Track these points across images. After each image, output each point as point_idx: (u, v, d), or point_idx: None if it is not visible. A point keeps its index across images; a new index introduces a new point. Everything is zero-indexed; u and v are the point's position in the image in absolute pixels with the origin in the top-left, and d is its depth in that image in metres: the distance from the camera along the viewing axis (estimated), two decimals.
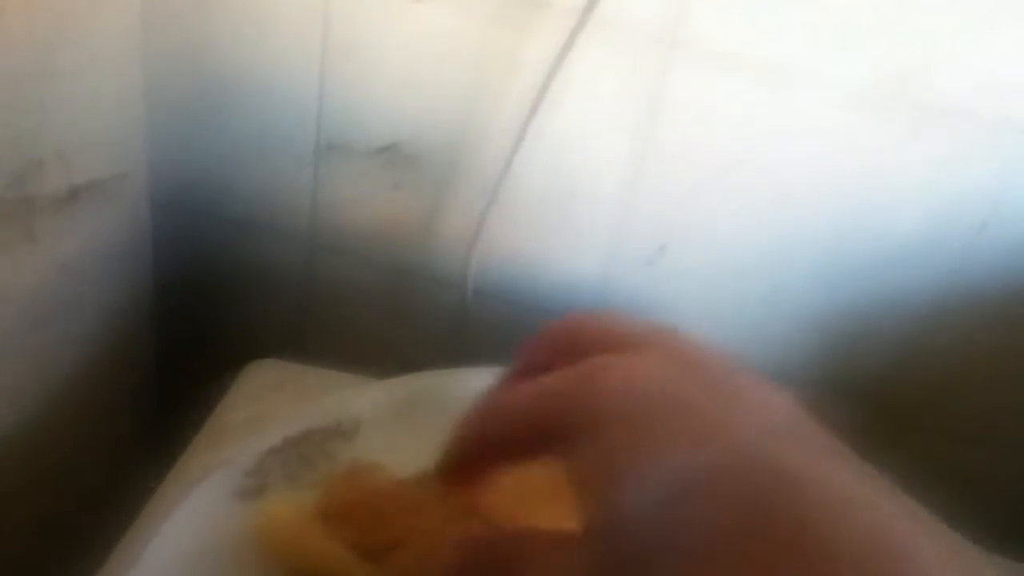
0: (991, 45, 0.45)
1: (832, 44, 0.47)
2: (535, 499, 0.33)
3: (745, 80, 0.48)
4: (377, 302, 0.61)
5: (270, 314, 0.62)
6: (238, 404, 0.48)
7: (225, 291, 0.61)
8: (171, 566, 0.35)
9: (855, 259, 0.52)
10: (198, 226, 0.60)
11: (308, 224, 0.59)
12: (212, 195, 0.59)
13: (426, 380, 0.45)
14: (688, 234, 0.54)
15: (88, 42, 0.46)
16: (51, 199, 0.47)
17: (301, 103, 0.54)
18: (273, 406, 0.46)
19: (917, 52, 0.46)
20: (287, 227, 0.59)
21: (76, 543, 0.44)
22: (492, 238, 0.56)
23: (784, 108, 0.49)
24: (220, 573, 0.36)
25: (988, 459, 0.56)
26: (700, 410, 0.24)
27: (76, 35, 0.45)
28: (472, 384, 0.46)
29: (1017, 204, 0.49)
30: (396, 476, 0.38)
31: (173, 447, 0.46)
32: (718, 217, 0.53)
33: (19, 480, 0.49)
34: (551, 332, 0.30)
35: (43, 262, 0.48)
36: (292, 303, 0.61)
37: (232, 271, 0.61)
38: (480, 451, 0.30)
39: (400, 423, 0.43)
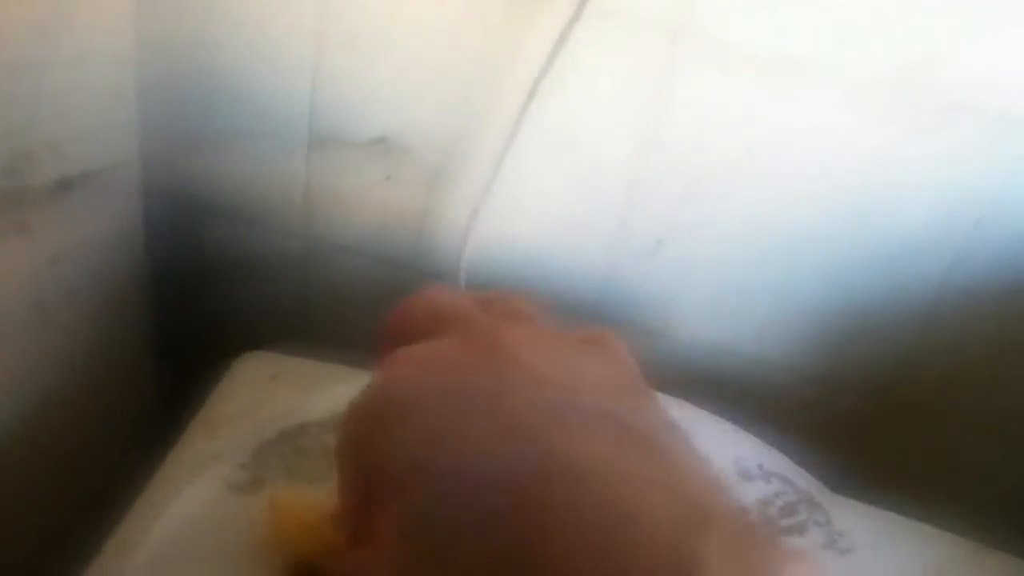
0: (992, 42, 0.45)
1: (834, 40, 0.47)
2: None
3: (747, 76, 0.48)
4: (370, 294, 0.60)
5: (263, 306, 0.62)
6: (231, 395, 0.48)
7: (218, 283, 0.61)
8: (167, 559, 0.35)
9: (856, 254, 0.52)
10: (191, 218, 0.59)
11: (301, 216, 0.58)
12: (205, 186, 0.58)
13: None
14: (688, 229, 0.54)
15: (82, 33, 0.46)
16: (43, 190, 0.46)
17: (294, 94, 0.54)
18: (266, 398, 0.46)
19: (919, 49, 0.46)
20: (280, 219, 0.58)
21: (72, 533, 0.44)
22: (487, 231, 0.56)
23: (786, 104, 0.49)
24: (216, 566, 0.35)
25: (990, 452, 0.56)
26: (465, 406, 0.25)
27: (69, 26, 0.44)
28: None
29: (1015, 200, 0.49)
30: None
31: (167, 435, 0.46)
32: (719, 212, 0.53)
33: (14, 471, 0.49)
34: (396, 317, 0.30)
35: (36, 253, 0.47)
36: (285, 295, 0.61)
37: (225, 263, 0.60)
38: None
39: None
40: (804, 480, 0.44)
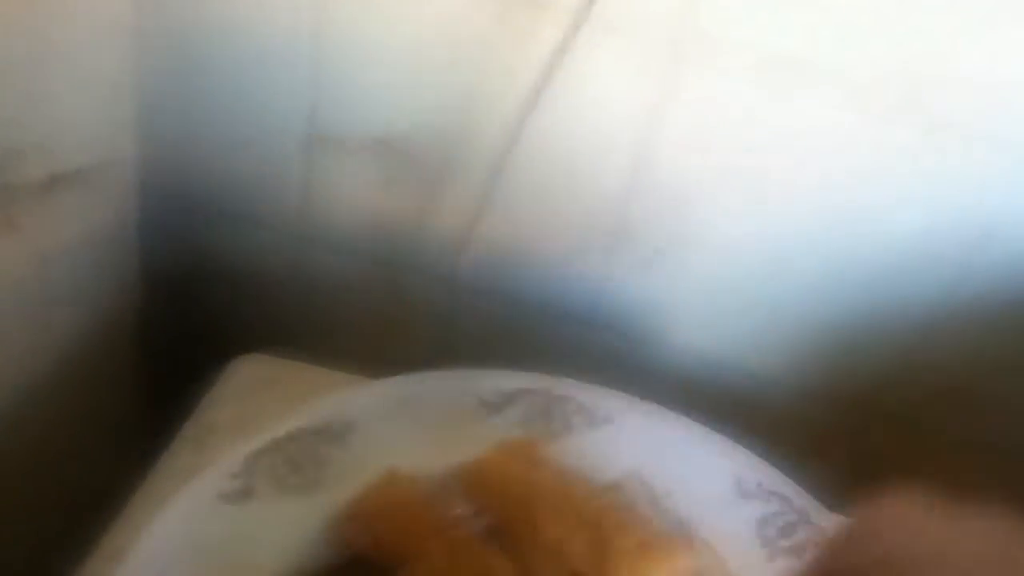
0: (994, 46, 0.45)
1: (839, 51, 0.46)
2: None
3: (748, 83, 0.48)
4: (367, 297, 0.60)
5: (258, 307, 0.61)
6: (224, 401, 0.47)
7: (213, 283, 0.60)
8: (155, 568, 0.34)
9: (856, 266, 0.52)
10: (186, 217, 0.58)
11: (298, 217, 0.57)
12: (201, 186, 0.57)
13: (418, 381, 0.44)
14: (687, 237, 0.53)
15: (78, 28, 0.45)
16: (33, 188, 0.46)
17: (293, 93, 0.53)
18: (260, 403, 0.45)
19: (926, 62, 0.45)
20: (277, 219, 0.58)
21: (60, 536, 0.43)
22: (486, 235, 0.55)
23: (788, 113, 0.48)
24: (205, 574, 0.35)
25: (986, 468, 0.55)
26: None
27: (65, 21, 0.44)
28: (462, 386, 0.45)
29: (1019, 219, 0.49)
30: (426, 491, 0.39)
31: (158, 441, 0.45)
32: (717, 221, 0.52)
33: (0, 472, 0.48)
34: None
35: (25, 251, 0.47)
36: (281, 296, 0.60)
37: (220, 263, 0.60)
38: None
39: (392, 425, 0.42)
40: (803, 500, 0.43)
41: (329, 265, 0.59)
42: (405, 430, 0.43)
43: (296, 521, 0.38)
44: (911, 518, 0.28)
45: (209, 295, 0.61)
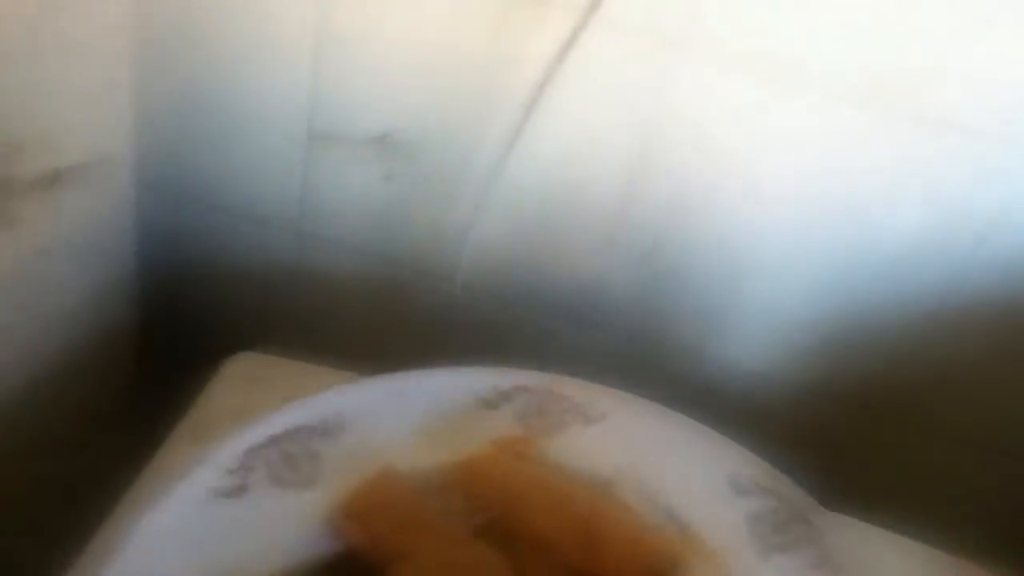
0: (992, 49, 0.45)
1: (837, 49, 0.46)
2: None
3: (747, 83, 0.48)
4: (365, 295, 0.60)
5: (257, 304, 0.61)
6: (220, 397, 0.47)
7: (210, 279, 0.60)
8: (148, 563, 0.34)
9: (854, 264, 0.52)
10: (185, 213, 0.58)
11: (297, 214, 0.58)
12: (200, 182, 0.57)
13: (414, 378, 0.45)
14: (685, 235, 0.53)
15: (76, 23, 0.45)
16: (31, 182, 0.46)
17: (293, 89, 0.53)
18: (256, 400, 0.45)
19: (925, 60, 0.45)
20: (275, 216, 0.58)
21: (52, 532, 0.43)
22: (484, 233, 0.55)
23: (787, 112, 0.48)
24: (198, 570, 0.35)
25: (982, 464, 0.56)
26: None
27: (64, 15, 0.44)
28: (458, 383, 0.45)
29: (1018, 218, 0.49)
30: (421, 488, 0.39)
31: (153, 437, 0.45)
32: (716, 219, 0.52)
33: None
34: None
35: (22, 246, 0.47)
36: (279, 293, 0.60)
37: (218, 259, 0.60)
38: None
39: (387, 422, 0.43)
40: (797, 496, 0.43)
41: (327, 263, 0.59)
42: (400, 427, 0.43)
43: (290, 517, 0.38)
44: None
45: (207, 292, 0.61)
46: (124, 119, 0.51)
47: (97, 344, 0.54)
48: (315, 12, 0.51)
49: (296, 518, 0.38)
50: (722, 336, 0.56)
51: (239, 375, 0.48)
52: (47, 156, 0.46)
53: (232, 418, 0.43)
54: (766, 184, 0.51)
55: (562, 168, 0.52)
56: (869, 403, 0.56)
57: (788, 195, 0.51)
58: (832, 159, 0.49)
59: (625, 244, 0.54)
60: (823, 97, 0.47)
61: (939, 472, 0.56)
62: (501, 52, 0.50)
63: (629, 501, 0.42)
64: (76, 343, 0.52)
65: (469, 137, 0.53)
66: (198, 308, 0.61)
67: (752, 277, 0.54)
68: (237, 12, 0.52)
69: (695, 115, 0.49)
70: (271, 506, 0.38)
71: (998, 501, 0.56)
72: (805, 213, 0.51)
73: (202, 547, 0.36)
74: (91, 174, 0.49)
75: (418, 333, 0.60)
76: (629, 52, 0.48)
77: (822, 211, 0.51)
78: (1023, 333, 0.52)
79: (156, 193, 0.57)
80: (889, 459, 0.57)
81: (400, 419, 0.43)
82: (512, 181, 0.53)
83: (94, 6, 0.46)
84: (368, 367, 0.46)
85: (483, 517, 0.39)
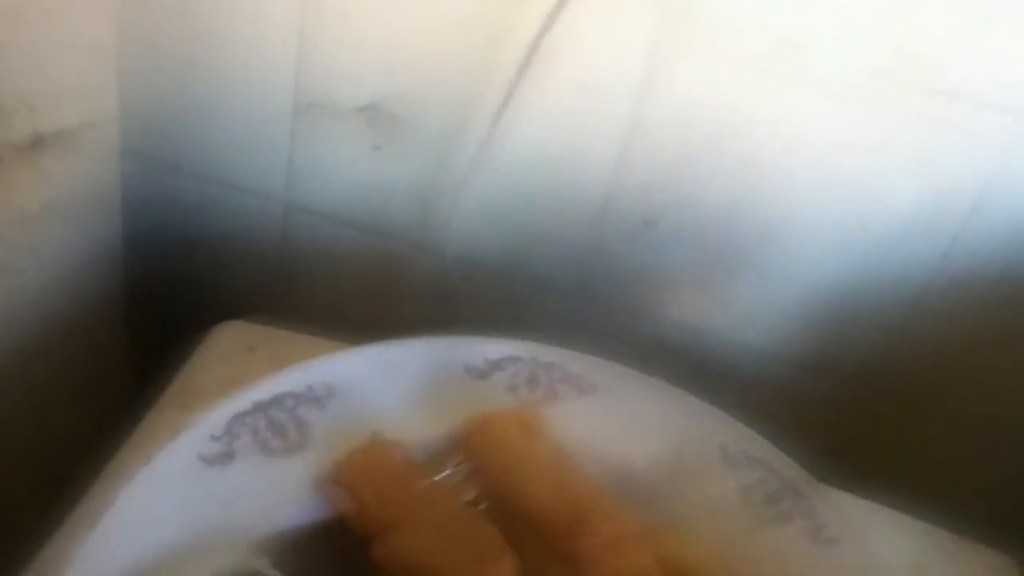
0: (985, 28, 0.44)
1: (830, 24, 0.46)
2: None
3: (742, 55, 0.47)
4: (354, 266, 0.59)
5: (244, 274, 0.60)
6: (207, 366, 0.46)
7: (198, 249, 0.60)
8: (134, 528, 0.34)
9: (848, 238, 0.52)
10: (171, 182, 0.58)
11: (284, 183, 0.57)
12: (186, 150, 0.57)
13: (402, 347, 0.44)
14: (677, 208, 0.52)
15: None
16: (14, 146, 0.45)
17: (280, 57, 0.52)
18: (242, 369, 0.45)
19: (914, 34, 0.45)
20: (263, 185, 0.57)
21: (38, 500, 0.43)
22: (474, 205, 0.54)
23: (779, 86, 0.48)
24: (183, 537, 0.34)
25: (977, 440, 0.55)
26: None
27: None
28: (448, 352, 0.45)
29: (1009, 189, 0.48)
30: (412, 457, 0.39)
31: (140, 405, 0.45)
32: (708, 192, 0.52)
33: None
34: None
35: (5, 211, 0.46)
36: (267, 264, 0.60)
37: (205, 229, 0.59)
38: None
39: (375, 390, 0.42)
40: (789, 468, 0.43)
41: (315, 233, 0.58)
42: (389, 395, 0.42)
43: (277, 484, 0.37)
44: None
45: (194, 261, 0.60)
46: (109, 84, 0.50)
47: (85, 312, 0.53)
48: None
49: (283, 485, 0.37)
50: (718, 310, 0.55)
51: (227, 343, 0.47)
52: (30, 120, 0.45)
53: (219, 386, 0.43)
54: (757, 156, 0.50)
55: (552, 139, 0.51)
56: (867, 379, 0.55)
57: (782, 167, 0.50)
58: (825, 131, 0.49)
59: (618, 217, 0.53)
60: (816, 70, 0.47)
61: (937, 448, 0.56)
62: (490, 20, 0.49)
63: (620, 477, 0.42)
64: (63, 311, 0.52)
65: (458, 106, 0.52)
66: (186, 278, 0.61)
67: (745, 252, 0.53)
68: None
69: (688, 87, 0.48)
70: (258, 473, 0.37)
71: (997, 478, 0.56)
72: (799, 185, 0.50)
73: (188, 513, 0.35)
74: (76, 139, 0.49)
75: (408, 305, 0.59)
76: (619, 20, 0.48)
77: (817, 186, 0.50)
78: (1017, 305, 0.51)
79: (142, 161, 0.56)
80: (887, 435, 0.57)
81: (389, 388, 0.42)
82: (502, 152, 0.52)
83: None
84: (357, 338, 0.45)
85: (478, 484, 0.39)
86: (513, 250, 0.56)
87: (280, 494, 0.37)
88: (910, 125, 0.47)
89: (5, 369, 0.49)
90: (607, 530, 0.37)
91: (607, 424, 0.44)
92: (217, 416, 0.38)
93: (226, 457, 0.37)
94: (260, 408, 0.40)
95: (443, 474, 0.39)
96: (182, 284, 0.61)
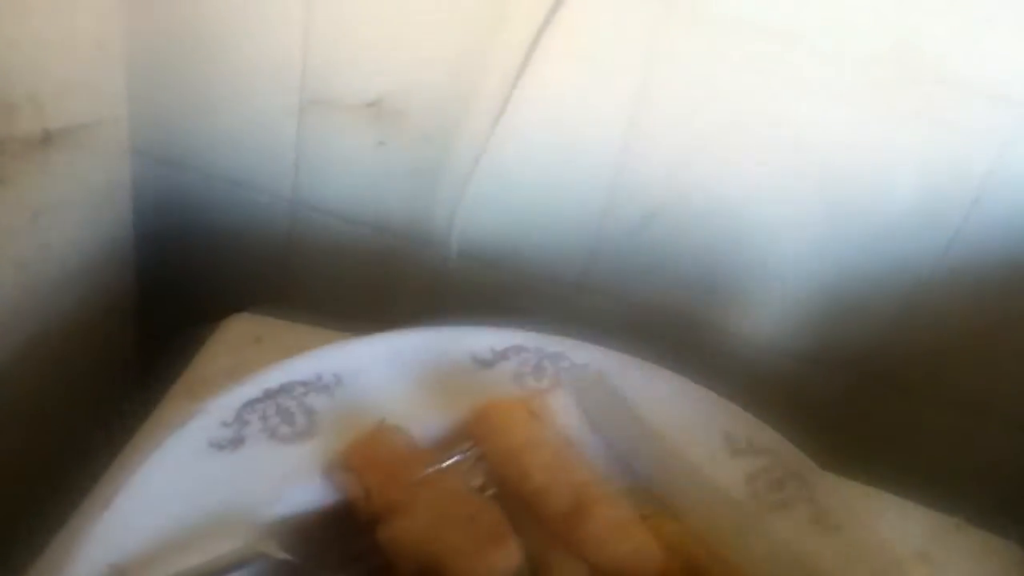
0: (984, 18, 0.45)
1: (834, 12, 0.46)
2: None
3: (744, 44, 0.47)
4: (360, 261, 0.60)
5: (251, 269, 0.61)
6: (216, 356, 0.47)
7: (206, 244, 0.60)
8: (144, 511, 0.34)
9: (849, 229, 0.52)
10: (180, 180, 0.58)
11: (291, 179, 0.57)
12: (194, 146, 0.57)
13: (410, 336, 0.45)
14: (679, 201, 0.53)
15: None
16: (23, 142, 0.45)
17: (285, 54, 0.53)
18: (252, 360, 0.45)
19: (913, 22, 0.45)
20: (270, 181, 0.57)
21: (51, 487, 0.43)
22: (478, 199, 0.55)
23: (782, 75, 0.48)
24: (193, 520, 0.35)
25: (978, 428, 0.56)
26: None
27: None
28: (455, 342, 0.45)
29: (1011, 180, 0.49)
30: (418, 444, 0.39)
31: (150, 396, 0.45)
32: (710, 184, 0.52)
33: None
34: None
35: (16, 205, 0.47)
36: (274, 258, 0.60)
37: (214, 225, 0.60)
38: None
39: (383, 378, 0.43)
40: (792, 456, 0.43)
41: (321, 228, 0.59)
42: (396, 384, 0.43)
43: (285, 469, 0.38)
44: None
45: (202, 255, 0.61)
46: (116, 82, 0.51)
47: (97, 307, 0.54)
48: None
49: (291, 470, 0.38)
50: (719, 302, 0.56)
51: (236, 335, 0.48)
52: (38, 116, 0.46)
53: (229, 376, 0.43)
54: (757, 150, 0.50)
55: (555, 133, 0.52)
56: (869, 369, 0.56)
57: (782, 159, 0.50)
58: (825, 123, 0.49)
59: (621, 209, 0.54)
60: (819, 61, 0.47)
61: (941, 437, 0.56)
62: (491, 12, 0.49)
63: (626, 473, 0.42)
64: (75, 305, 0.52)
65: (461, 101, 0.52)
66: (195, 273, 0.61)
67: (749, 244, 0.53)
68: None
69: (691, 78, 0.49)
70: (267, 458, 0.38)
71: (999, 464, 0.56)
72: (799, 177, 0.51)
73: (198, 496, 0.36)
74: (84, 136, 0.49)
75: (414, 298, 0.60)
76: (620, 15, 0.48)
77: (820, 177, 0.51)
78: (1016, 294, 0.52)
79: (150, 159, 0.56)
80: (890, 425, 0.57)
81: (396, 376, 0.43)
82: (505, 145, 0.53)
83: None
84: (364, 331, 0.46)
85: (484, 471, 0.39)
86: (516, 244, 0.57)
87: (288, 479, 0.37)
88: (910, 120, 0.48)
89: (19, 362, 0.49)
90: (610, 515, 0.37)
91: (612, 412, 0.44)
92: (227, 403, 0.39)
93: (236, 442, 0.38)
94: (269, 395, 0.40)
95: (449, 461, 0.39)
96: (192, 279, 0.61)
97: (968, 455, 0.56)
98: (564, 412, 0.43)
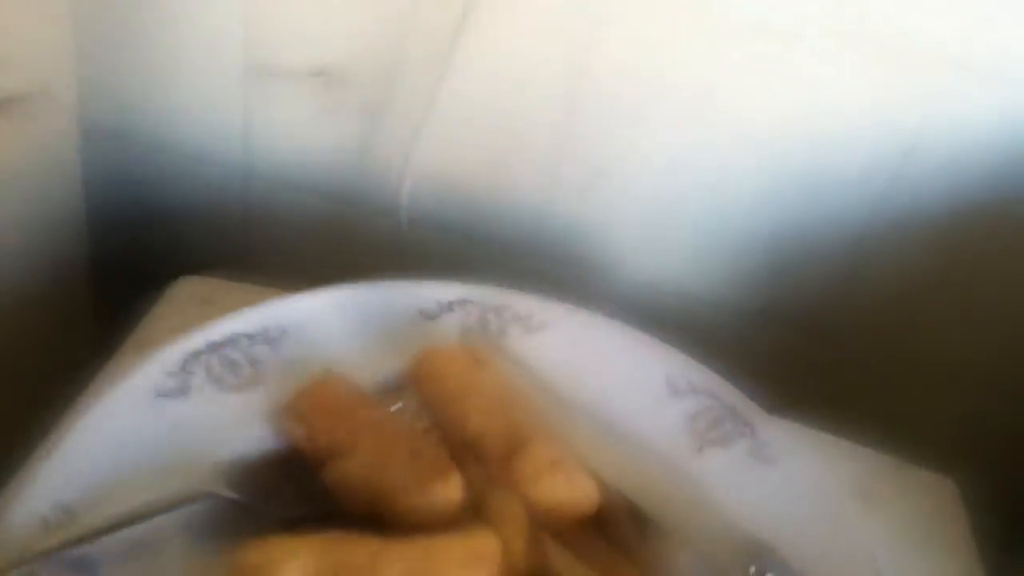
0: None
1: None
2: None
3: (680, 9, 0.48)
4: (313, 230, 0.60)
5: (205, 240, 0.61)
6: (165, 317, 0.47)
7: (159, 216, 0.61)
8: (91, 455, 0.35)
9: (788, 184, 0.53)
10: (130, 152, 0.59)
11: (241, 148, 0.58)
12: (142, 118, 0.58)
13: (355, 291, 0.45)
14: (626, 159, 0.54)
15: None
16: None
17: (226, 21, 0.53)
18: (200, 319, 0.46)
19: None
20: (220, 151, 0.58)
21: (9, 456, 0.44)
22: (426, 165, 0.56)
23: (724, 31, 0.49)
24: (141, 464, 0.35)
25: (923, 384, 0.57)
26: None
27: None
28: (401, 296, 0.46)
29: (940, 132, 0.50)
30: (362, 389, 0.40)
31: (101, 359, 0.45)
32: (654, 142, 0.53)
33: None
34: None
35: None
36: (227, 229, 0.61)
37: (165, 196, 0.60)
38: None
39: (329, 330, 0.43)
40: (731, 395, 0.45)
41: (273, 197, 0.60)
42: (343, 336, 0.43)
43: (232, 415, 0.39)
44: None
45: (156, 229, 0.61)
46: (64, 51, 0.51)
47: (49, 278, 0.54)
48: None
49: (238, 416, 0.39)
50: (666, 259, 0.57)
51: (185, 296, 0.48)
52: None
53: (175, 335, 0.44)
54: (700, 107, 0.51)
55: (498, 94, 0.53)
56: (810, 323, 0.57)
57: (725, 114, 0.51)
58: (763, 82, 0.50)
59: (566, 168, 0.55)
60: (757, 19, 0.48)
61: (881, 391, 0.57)
62: None
63: (567, 408, 0.43)
64: (28, 277, 0.52)
65: (405, 67, 0.53)
66: (149, 245, 0.61)
67: (691, 200, 0.55)
68: None
69: (633, 34, 0.50)
70: (213, 406, 0.39)
71: (936, 412, 0.57)
72: (743, 132, 0.52)
73: (144, 441, 0.36)
74: (33, 105, 0.50)
75: (364, 266, 0.60)
76: None
77: (759, 130, 0.52)
78: (951, 247, 0.53)
79: (99, 129, 0.57)
80: (832, 378, 0.58)
81: (343, 329, 0.44)
82: (449, 110, 0.53)
83: None
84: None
85: (427, 417, 0.40)
86: (466, 209, 0.58)
87: (235, 424, 0.38)
88: (847, 69, 0.49)
89: None
90: (544, 455, 0.38)
91: (556, 360, 0.45)
92: (171, 354, 0.40)
93: (182, 391, 0.39)
94: (214, 348, 0.41)
95: (393, 407, 0.40)
96: (145, 251, 0.62)
97: (909, 402, 0.58)
98: (509, 361, 0.44)
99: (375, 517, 0.36)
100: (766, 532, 0.39)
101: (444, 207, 0.58)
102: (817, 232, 0.54)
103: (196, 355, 0.40)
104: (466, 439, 0.39)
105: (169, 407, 0.38)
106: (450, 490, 0.36)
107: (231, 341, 0.41)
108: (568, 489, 0.38)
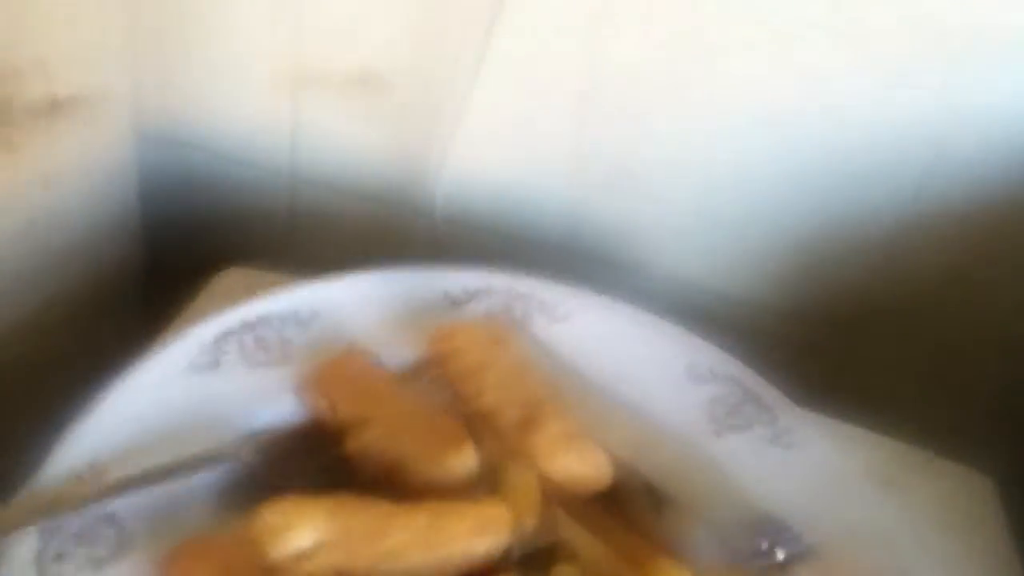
0: None
1: None
2: None
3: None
4: (356, 232, 0.62)
5: (251, 240, 0.64)
6: (206, 308, 0.49)
7: (207, 217, 0.63)
8: (123, 419, 0.37)
9: (818, 180, 0.53)
10: (182, 155, 0.61)
11: (288, 152, 0.60)
12: (194, 122, 0.60)
13: (384, 276, 0.47)
14: (652, 156, 0.55)
15: None
16: (30, 110, 0.49)
17: (274, 30, 0.56)
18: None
19: None
20: (267, 154, 0.60)
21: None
22: (461, 166, 0.57)
23: (748, 21, 0.49)
24: (170, 429, 0.37)
25: (959, 379, 0.56)
26: None
27: None
28: (428, 282, 0.48)
29: (974, 126, 0.50)
30: (382, 364, 0.42)
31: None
32: (680, 139, 0.54)
33: (7, 381, 0.51)
34: None
35: (23, 172, 0.50)
36: (272, 229, 0.63)
37: (213, 198, 0.63)
38: None
39: (356, 314, 0.45)
40: (754, 382, 0.45)
41: (318, 201, 0.62)
42: (370, 319, 0.45)
43: (260, 388, 0.40)
44: None
45: (202, 229, 0.64)
46: (120, 54, 0.54)
47: (101, 271, 0.57)
48: None
49: (265, 389, 0.40)
50: (693, 256, 0.57)
51: (226, 287, 0.51)
52: (45, 84, 0.49)
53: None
54: (729, 101, 0.52)
55: (525, 91, 0.54)
56: (840, 320, 0.56)
57: (752, 109, 0.52)
58: (795, 73, 0.50)
59: (593, 165, 0.56)
60: (788, 13, 0.49)
61: (912, 385, 0.57)
62: None
63: (586, 394, 0.44)
64: (80, 269, 0.55)
65: (439, 71, 0.55)
66: (197, 245, 0.64)
67: (718, 197, 0.55)
68: None
69: (651, 29, 0.51)
70: (242, 380, 0.41)
71: (974, 407, 0.56)
72: (769, 128, 0.52)
73: (174, 409, 0.38)
74: (89, 106, 0.52)
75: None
76: None
77: (786, 128, 0.52)
78: (988, 240, 0.53)
79: (152, 132, 0.60)
80: (864, 374, 0.58)
81: (370, 311, 0.45)
82: (482, 112, 0.55)
83: None
84: None
85: (446, 392, 0.41)
86: (500, 207, 0.59)
87: (261, 397, 0.40)
88: (878, 62, 0.49)
89: (28, 322, 0.52)
90: (559, 429, 0.39)
91: (577, 344, 0.46)
92: (207, 332, 0.42)
93: (213, 365, 0.40)
94: (247, 327, 0.43)
95: (416, 385, 0.42)
96: (194, 251, 0.64)
97: (946, 401, 0.57)
98: (532, 347, 0.45)
99: (392, 487, 0.37)
100: (780, 509, 0.39)
101: (477, 206, 0.59)
102: (846, 230, 0.54)
103: (230, 333, 0.42)
104: (482, 412, 0.40)
105: (201, 380, 0.40)
106: (464, 460, 0.37)
107: (264, 321, 0.43)
108: (582, 464, 0.39)
